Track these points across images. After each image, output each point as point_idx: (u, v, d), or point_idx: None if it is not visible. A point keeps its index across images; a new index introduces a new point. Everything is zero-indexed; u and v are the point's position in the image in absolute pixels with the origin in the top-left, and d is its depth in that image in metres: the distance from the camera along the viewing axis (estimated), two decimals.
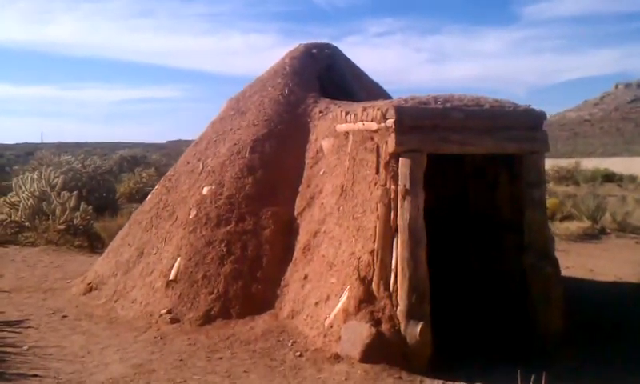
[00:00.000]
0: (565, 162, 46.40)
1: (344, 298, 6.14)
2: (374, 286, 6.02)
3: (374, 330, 5.77)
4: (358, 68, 9.90)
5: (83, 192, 17.81)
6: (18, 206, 13.52)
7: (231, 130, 8.48)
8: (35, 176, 14.70)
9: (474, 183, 7.44)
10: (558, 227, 15.81)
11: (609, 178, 38.79)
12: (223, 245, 7.22)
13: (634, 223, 16.76)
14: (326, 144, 7.66)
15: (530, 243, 6.32)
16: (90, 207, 13.63)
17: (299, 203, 7.51)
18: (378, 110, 6.18)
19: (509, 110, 6.30)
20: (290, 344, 6.22)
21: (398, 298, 5.83)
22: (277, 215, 7.39)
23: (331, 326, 6.10)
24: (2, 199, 14.52)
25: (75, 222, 12.93)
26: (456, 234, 7.72)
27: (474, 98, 6.42)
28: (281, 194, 7.58)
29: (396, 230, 5.93)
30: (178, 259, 7.30)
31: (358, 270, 6.15)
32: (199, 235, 7.38)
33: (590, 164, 45.99)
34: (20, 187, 14.03)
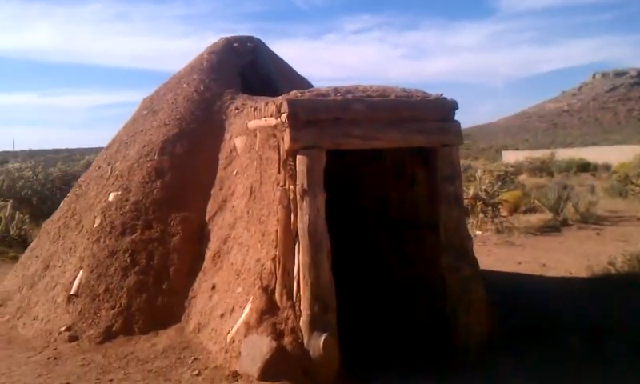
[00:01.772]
0: (540, 153, 46.28)
1: (247, 309, 5.66)
2: (276, 296, 5.55)
3: (274, 344, 5.30)
4: (284, 62, 9.42)
5: (33, 200, 17.34)
6: None
7: (142, 130, 7.95)
8: None
9: (395, 182, 6.97)
10: (518, 220, 15.46)
11: (583, 167, 38.67)
12: (127, 255, 6.70)
13: (598, 213, 16.43)
14: (239, 143, 7.18)
15: (447, 242, 5.88)
16: (27, 216, 13.09)
17: (211, 207, 7.01)
18: (274, 104, 5.70)
19: (416, 100, 5.85)
20: (190, 362, 5.73)
21: (301, 307, 5.37)
22: (186, 221, 6.88)
23: (233, 341, 5.61)
24: None
25: (11, 232, 12.38)
26: (380, 238, 7.26)
27: (379, 88, 5.95)
28: (192, 198, 7.07)
29: (297, 234, 5.46)
30: (81, 272, 6.78)
31: (260, 279, 5.67)
32: (102, 245, 6.86)
33: (567, 154, 45.90)
34: None
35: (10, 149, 64.23)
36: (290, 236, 5.51)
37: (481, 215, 14.75)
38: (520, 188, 21.83)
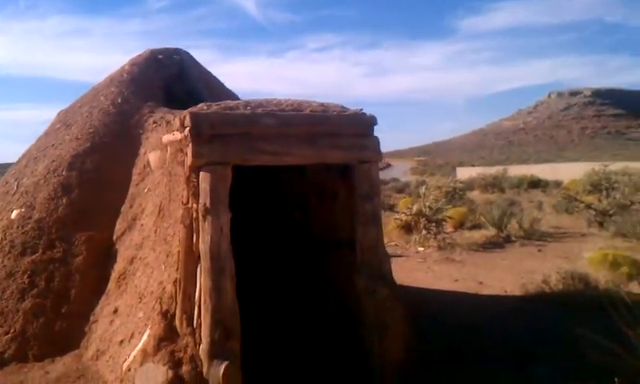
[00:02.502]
0: (493, 170, 46.74)
1: (145, 335, 5.26)
2: (176, 322, 5.15)
3: (171, 374, 4.90)
4: (213, 76, 9.06)
5: None
6: None
7: (53, 145, 7.47)
8: None
9: (316, 200, 6.67)
10: (461, 236, 15.36)
11: (534, 184, 39.11)
12: (26, 276, 6.23)
13: (543, 229, 16.46)
14: (152, 158, 6.78)
15: (363, 263, 5.59)
16: None
17: (119, 226, 6.59)
18: (178, 117, 5.35)
19: (332, 114, 5.55)
20: None
21: (202, 334, 4.99)
22: (92, 240, 6.45)
23: (129, 370, 5.20)
24: None
25: None
26: (302, 257, 6.95)
27: (294, 101, 5.65)
28: (100, 216, 6.63)
29: (199, 256, 5.09)
30: None
31: (160, 303, 5.28)
32: (0, 266, 6.38)
33: (521, 171, 46.45)
34: None
35: None
36: (191, 258, 5.13)
37: (424, 232, 14.58)
38: (468, 204, 21.82)
